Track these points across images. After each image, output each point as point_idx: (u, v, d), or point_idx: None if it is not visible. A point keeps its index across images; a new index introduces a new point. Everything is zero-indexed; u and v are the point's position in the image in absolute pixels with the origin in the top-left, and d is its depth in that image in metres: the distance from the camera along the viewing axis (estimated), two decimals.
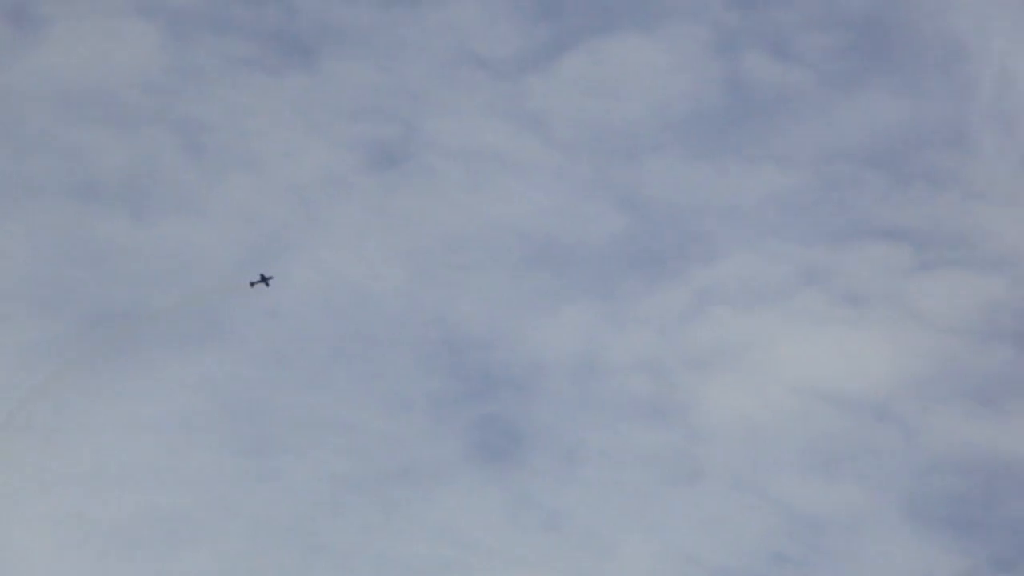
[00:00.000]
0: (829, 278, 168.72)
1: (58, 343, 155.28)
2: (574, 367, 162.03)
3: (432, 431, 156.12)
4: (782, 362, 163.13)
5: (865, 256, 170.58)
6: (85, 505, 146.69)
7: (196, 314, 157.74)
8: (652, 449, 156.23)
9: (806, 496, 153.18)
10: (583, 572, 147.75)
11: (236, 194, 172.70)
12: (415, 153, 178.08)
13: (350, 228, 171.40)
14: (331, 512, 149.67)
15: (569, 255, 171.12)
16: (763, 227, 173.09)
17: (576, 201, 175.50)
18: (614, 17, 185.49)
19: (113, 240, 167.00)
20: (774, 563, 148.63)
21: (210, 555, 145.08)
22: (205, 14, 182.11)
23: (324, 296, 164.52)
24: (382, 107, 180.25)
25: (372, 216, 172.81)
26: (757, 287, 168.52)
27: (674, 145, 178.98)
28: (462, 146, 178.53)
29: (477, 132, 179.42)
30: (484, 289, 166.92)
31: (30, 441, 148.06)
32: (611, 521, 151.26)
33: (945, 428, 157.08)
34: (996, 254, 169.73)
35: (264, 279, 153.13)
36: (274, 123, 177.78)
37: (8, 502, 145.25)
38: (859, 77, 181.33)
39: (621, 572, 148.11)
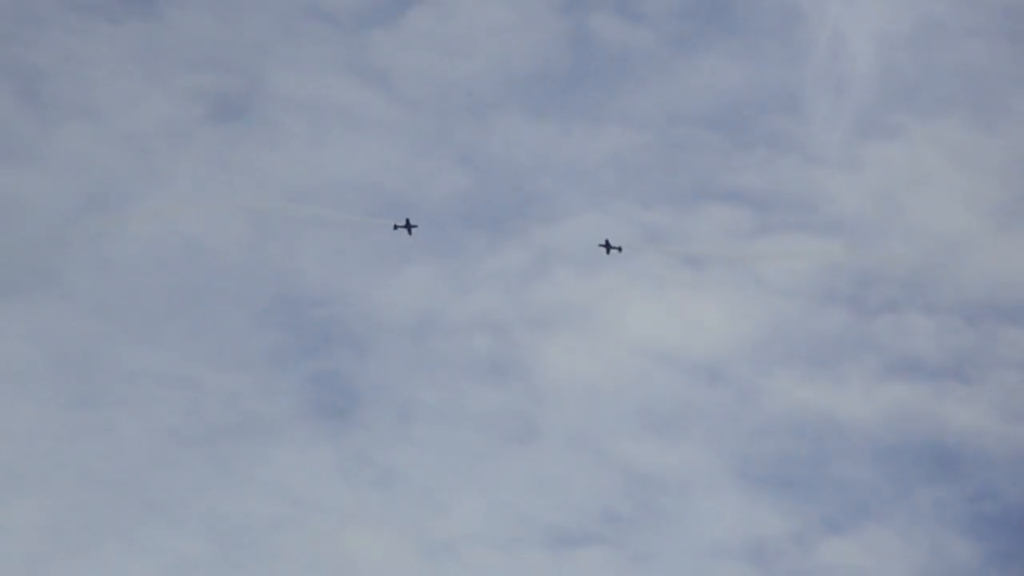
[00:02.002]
0: (670, 240, 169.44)
1: None
2: (413, 325, 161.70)
3: (267, 387, 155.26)
4: (622, 323, 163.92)
5: (706, 219, 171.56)
6: None
7: (25, 263, 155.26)
8: (489, 408, 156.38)
9: (642, 456, 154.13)
10: (416, 529, 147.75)
11: (73, 143, 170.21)
12: (258, 106, 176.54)
13: (190, 180, 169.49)
14: (163, 467, 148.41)
15: (411, 212, 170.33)
16: (606, 188, 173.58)
17: (419, 158, 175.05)
18: None
19: None
20: (607, 522, 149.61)
21: (38, 508, 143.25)
22: None
23: (161, 248, 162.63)
24: (225, 59, 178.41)
25: (213, 169, 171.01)
26: (599, 248, 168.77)
27: (518, 103, 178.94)
28: (305, 100, 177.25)
29: (320, 86, 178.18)
30: (324, 245, 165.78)
31: None
32: (445, 479, 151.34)
33: (780, 390, 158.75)
34: (834, 218, 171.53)
35: (408, 226, 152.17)
36: (114, 71, 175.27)
37: None
38: (701, 40, 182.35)
39: (454, 530, 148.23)
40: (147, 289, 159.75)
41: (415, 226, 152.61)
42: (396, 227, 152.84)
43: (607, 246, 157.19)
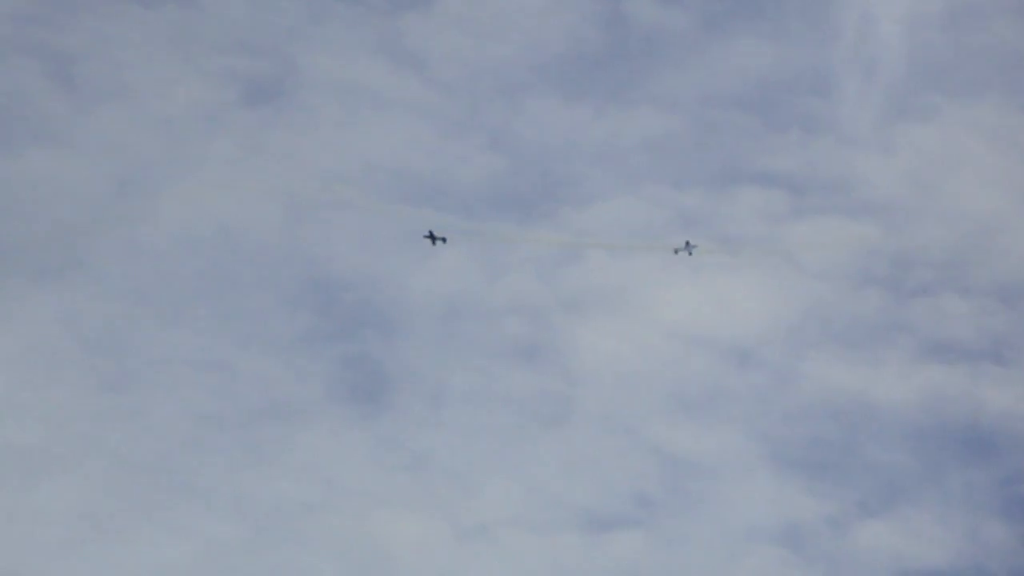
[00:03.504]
0: (705, 223, 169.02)
1: None
2: (446, 309, 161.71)
3: (298, 371, 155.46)
4: (656, 306, 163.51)
5: (741, 201, 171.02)
6: None
7: (57, 247, 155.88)
8: (522, 391, 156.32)
9: (675, 439, 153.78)
10: (449, 513, 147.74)
11: (105, 126, 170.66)
12: (291, 89, 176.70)
13: (222, 163, 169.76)
14: (194, 450, 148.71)
15: (445, 195, 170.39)
16: (638, 170, 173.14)
17: (451, 140, 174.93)
18: None
19: None
20: (639, 505, 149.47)
21: (71, 491, 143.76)
22: None
23: (193, 232, 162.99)
24: (258, 42, 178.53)
25: (245, 152, 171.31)
26: (633, 231, 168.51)
27: (550, 86, 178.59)
28: (338, 83, 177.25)
29: (353, 69, 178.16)
30: (357, 228, 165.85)
31: None
32: (477, 462, 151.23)
33: (815, 373, 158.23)
34: (869, 201, 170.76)
35: (433, 237, 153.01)
36: (146, 55, 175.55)
37: None
38: (733, 22, 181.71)
39: (486, 512, 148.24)
40: (179, 273, 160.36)
41: (443, 239, 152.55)
42: (426, 237, 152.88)
43: (687, 247, 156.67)
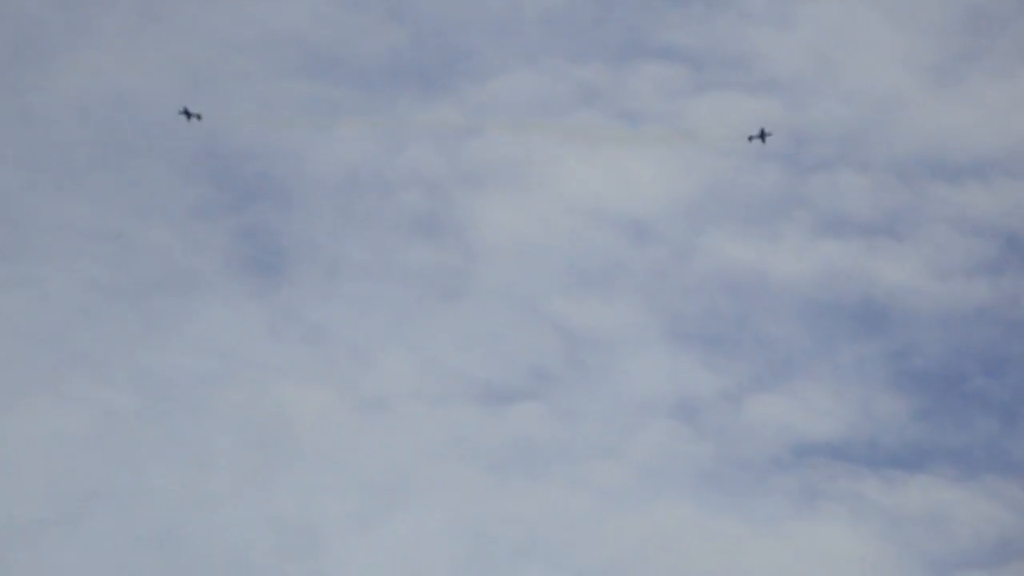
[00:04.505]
0: (605, 97, 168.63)
1: None
2: (344, 181, 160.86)
3: (194, 242, 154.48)
4: (556, 181, 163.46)
5: (641, 76, 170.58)
6: None
7: None
8: (421, 264, 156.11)
9: (574, 313, 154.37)
10: (346, 385, 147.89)
11: None
12: None
13: (119, 32, 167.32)
14: (89, 320, 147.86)
15: (344, 68, 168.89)
16: (540, 44, 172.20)
17: (352, 13, 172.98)
18: None
19: None
20: (536, 378, 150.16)
21: None
22: None
23: (88, 101, 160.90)
24: None
25: (143, 21, 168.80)
26: (533, 105, 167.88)
27: None
28: None
29: None
30: (255, 99, 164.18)
31: None
32: (374, 335, 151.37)
33: (713, 248, 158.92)
34: (770, 77, 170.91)
35: (188, 114, 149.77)
36: None
37: None
38: None
39: (383, 385, 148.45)
40: (73, 142, 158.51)
41: (199, 116, 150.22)
42: (181, 113, 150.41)
43: (761, 135, 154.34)
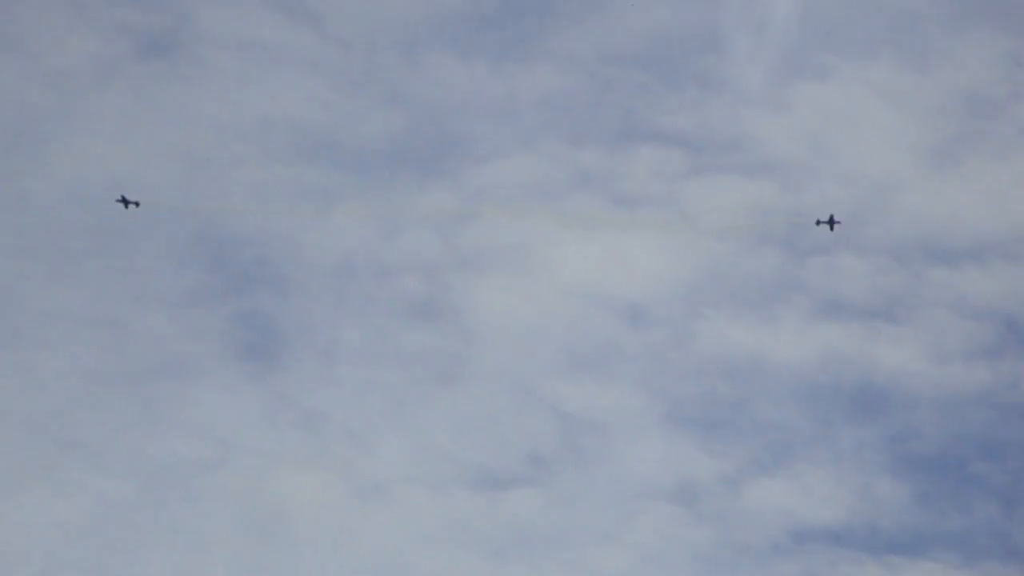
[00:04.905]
0: (602, 181, 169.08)
1: None
2: (341, 265, 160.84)
3: (190, 327, 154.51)
4: (553, 264, 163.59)
5: (638, 159, 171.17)
6: None
7: None
8: (418, 348, 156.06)
9: (571, 397, 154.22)
10: (344, 470, 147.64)
11: None
12: (186, 43, 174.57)
13: (116, 117, 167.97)
14: (84, 407, 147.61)
15: (341, 152, 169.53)
16: (537, 128, 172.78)
17: (349, 97, 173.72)
18: None
19: None
20: (534, 463, 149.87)
21: None
22: None
23: (84, 186, 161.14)
24: None
25: (140, 106, 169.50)
26: (530, 189, 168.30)
27: (449, 42, 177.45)
28: (234, 37, 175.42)
29: (250, 24, 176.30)
30: (253, 184, 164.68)
31: None
32: (371, 420, 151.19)
33: (711, 332, 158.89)
34: (766, 160, 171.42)
35: (126, 201, 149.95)
36: (39, 7, 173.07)
37: None
38: None
39: (382, 470, 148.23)
40: (69, 227, 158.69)
41: (136, 203, 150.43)
42: (119, 201, 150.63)
43: (830, 222, 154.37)
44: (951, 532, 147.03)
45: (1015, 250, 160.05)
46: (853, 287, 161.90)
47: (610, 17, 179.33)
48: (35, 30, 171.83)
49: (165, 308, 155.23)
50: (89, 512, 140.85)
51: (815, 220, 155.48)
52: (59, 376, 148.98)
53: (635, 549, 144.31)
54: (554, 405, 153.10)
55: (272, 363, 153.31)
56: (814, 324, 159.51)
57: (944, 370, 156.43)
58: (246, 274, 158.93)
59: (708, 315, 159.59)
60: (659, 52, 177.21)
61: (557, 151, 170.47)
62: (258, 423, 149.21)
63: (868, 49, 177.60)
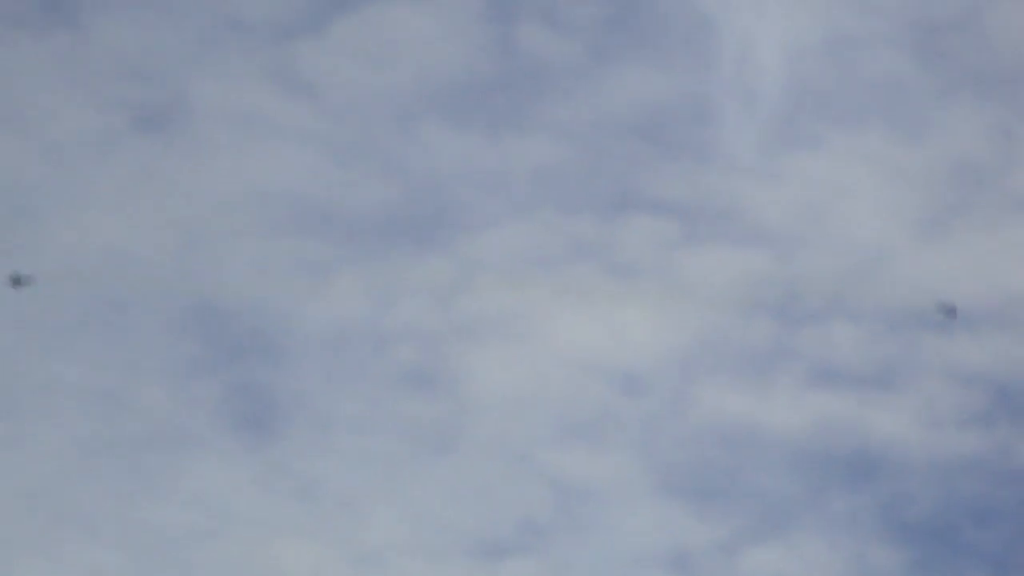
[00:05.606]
0: (596, 250, 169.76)
1: None
2: (336, 337, 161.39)
3: (185, 398, 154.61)
4: (549, 334, 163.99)
5: (632, 229, 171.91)
6: None
7: None
8: (413, 418, 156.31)
9: (566, 466, 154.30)
10: (339, 540, 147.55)
11: None
12: (182, 117, 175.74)
13: (112, 191, 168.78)
14: (78, 479, 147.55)
15: (337, 223, 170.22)
16: (531, 198, 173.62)
17: (344, 168, 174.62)
18: None
19: None
20: (528, 531, 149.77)
21: None
22: None
23: (79, 260, 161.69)
24: (148, 69, 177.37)
25: (136, 180, 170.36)
26: (525, 258, 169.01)
27: (443, 113, 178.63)
28: (230, 111, 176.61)
29: (245, 97, 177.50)
30: (249, 256, 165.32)
31: None
32: (367, 489, 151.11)
33: (705, 400, 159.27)
34: (758, 229, 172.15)
35: (17, 280, 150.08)
36: (35, 82, 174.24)
37: None
38: (623, 50, 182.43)
39: (377, 540, 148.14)
40: (64, 301, 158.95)
41: (28, 280, 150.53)
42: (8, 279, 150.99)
43: (949, 312, 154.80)
44: None
45: (1005, 318, 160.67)
46: (846, 355, 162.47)
47: (603, 88, 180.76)
48: (32, 106, 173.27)
49: (161, 379, 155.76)
50: None
51: (935, 307, 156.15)
52: (54, 447, 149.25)
53: None
54: (549, 473, 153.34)
55: (268, 433, 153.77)
56: (808, 392, 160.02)
57: (937, 437, 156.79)
58: (242, 345, 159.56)
59: (703, 383, 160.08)
60: (652, 122, 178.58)
61: (551, 220, 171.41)
62: (253, 493, 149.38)
63: (858, 119, 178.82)
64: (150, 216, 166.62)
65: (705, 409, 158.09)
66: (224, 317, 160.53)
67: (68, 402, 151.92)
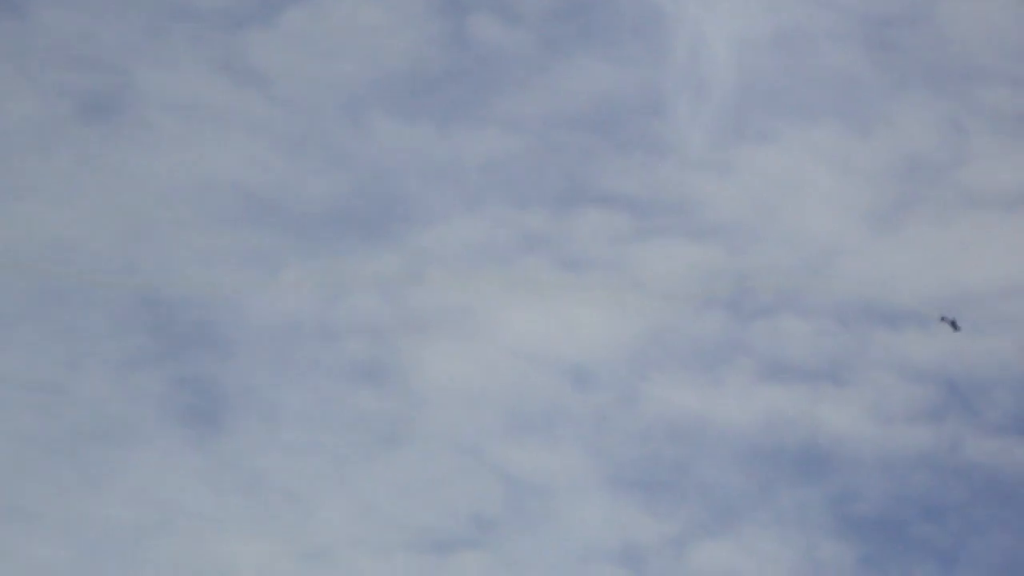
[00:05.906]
0: (547, 243, 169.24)
1: None
2: (285, 328, 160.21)
3: (130, 391, 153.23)
4: (499, 327, 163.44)
5: (583, 222, 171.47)
6: None
7: None
8: (362, 411, 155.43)
9: (516, 460, 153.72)
10: (287, 534, 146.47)
11: None
12: (128, 105, 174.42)
13: (56, 180, 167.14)
14: (21, 473, 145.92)
15: (285, 215, 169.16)
16: (482, 191, 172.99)
17: (292, 159, 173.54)
18: None
19: None
20: (478, 526, 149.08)
21: None
22: None
23: (22, 249, 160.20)
24: (94, 57, 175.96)
25: (80, 169, 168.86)
26: (475, 251, 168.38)
27: (394, 105, 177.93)
28: (177, 99, 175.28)
29: (193, 86, 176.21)
30: (196, 247, 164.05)
31: None
32: (315, 483, 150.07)
33: (656, 394, 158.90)
34: (711, 223, 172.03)
35: None
36: None
37: None
38: (575, 42, 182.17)
39: (325, 534, 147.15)
40: (5, 290, 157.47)
41: None
42: None
43: (953, 324, 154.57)
44: None
45: (955, 313, 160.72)
46: (797, 349, 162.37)
47: (555, 80, 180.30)
48: None
49: (104, 372, 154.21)
50: None
51: (940, 316, 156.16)
52: None
53: None
54: (499, 468, 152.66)
55: (214, 427, 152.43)
56: (759, 386, 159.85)
57: (886, 432, 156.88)
58: (188, 337, 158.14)
59: (653, 377, 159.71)
60: (604, 115, 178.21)
61: (502, 214, 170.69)
62: (199, 487, 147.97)
63: (810, 113, 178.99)
64: (94, 205, 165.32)
65: (656, 403, 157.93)
66: (170, 308, 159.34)
67: (9, 394, 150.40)
